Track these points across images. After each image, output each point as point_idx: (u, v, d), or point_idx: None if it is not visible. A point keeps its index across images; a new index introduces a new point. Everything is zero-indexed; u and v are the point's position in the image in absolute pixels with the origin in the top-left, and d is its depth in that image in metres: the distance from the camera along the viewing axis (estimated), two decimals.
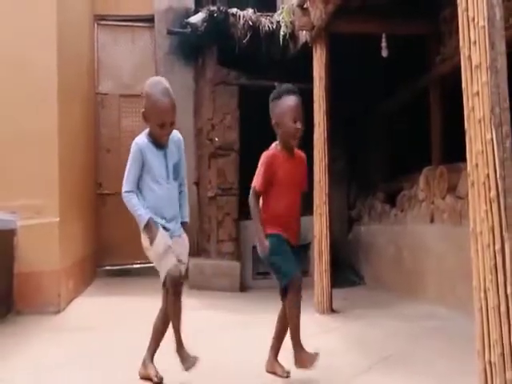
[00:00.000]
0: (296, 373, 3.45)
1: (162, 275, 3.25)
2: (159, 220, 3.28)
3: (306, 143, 5.75)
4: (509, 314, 2.44)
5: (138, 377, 3.35)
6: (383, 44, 6.01)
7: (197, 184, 8.45)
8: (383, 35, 6.03)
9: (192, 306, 5.88)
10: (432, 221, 6.07)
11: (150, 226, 3.22)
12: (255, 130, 6.08)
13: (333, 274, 5.68)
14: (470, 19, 2.65)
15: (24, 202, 5.37)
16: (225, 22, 7.43)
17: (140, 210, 3.23)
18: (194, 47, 8.33)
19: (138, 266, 8.51)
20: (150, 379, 3.26)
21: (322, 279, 5.59)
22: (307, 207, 5.98)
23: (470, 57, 2.67)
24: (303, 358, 3.29)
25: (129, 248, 8.00)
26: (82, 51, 7.79)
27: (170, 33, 8.43)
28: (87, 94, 8.15)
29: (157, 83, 3.31)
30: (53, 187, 5.52)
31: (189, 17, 8.05)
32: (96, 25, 9.00)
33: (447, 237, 5.63)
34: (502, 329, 2.46)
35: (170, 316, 3.28)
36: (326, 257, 5.61)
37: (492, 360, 2.51)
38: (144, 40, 9.22)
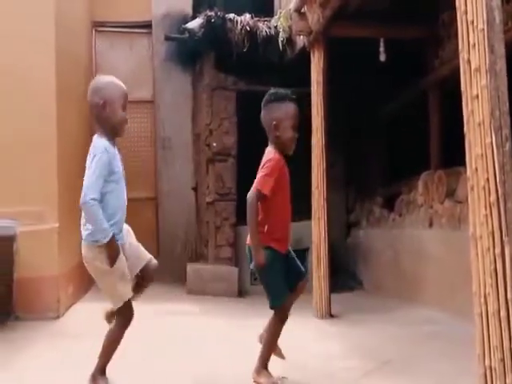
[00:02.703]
0: (295, 378, 3.45)
1: (118, 303, 3.07)
2: (117, 234, 3.07)
3: (304, 148, 5.82)
4: (509, 319, 2.44)
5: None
6: (381, 49, 6.04)
7: (195, 189, 8.46)
8: (381, 40, 6.05)
9: (190, 312, 5.91)
10: (431, 225, 6.07)
11: (112, 243, 2.98)
12: (253, 136, 6.08)
13: (331, 279, 5.69)
14: (470, 22, 2.66)
15: (23, 209, 5.36)
16: (222, 28, 7.44)
17: (105, 224, 2.96)
18: (191, 53, 8.34)
19: None
20: None
21: (320, 284, 5.58)
22: (305, 212, 6.00)
23: (469, 60, 2.68)
24: (261, 377, 3.25)
25: None
26: (80, 58, 7.79)
27: (167, 39, 8.44)
28: (85, 101, 8.13)
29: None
30: (52, 193, 5.51)
31: (186, 22, 8.05)
32: (94, 31, 9.00)
33: (446, 241, 5.63)
34: (502, 334, 2.46)
35: (116, 338, 3.11)
36: (324, 262, 5.61)
37: (492, 365, 2.50)
38: (142, 46, 9.22)
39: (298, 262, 3.49)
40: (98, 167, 3.01)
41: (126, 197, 3.21)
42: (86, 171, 3.06)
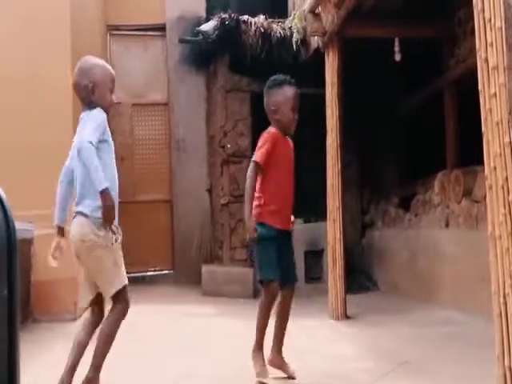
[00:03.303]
0: (310, 380, 3.44)
1: (111, 289, 2.90)
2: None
3: (319, 148, 5.81)
4: None
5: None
6: (396, 48, 5.99)
7: (209, 191, 8.47)
8: (396, 39, 6.01)
9: (206, 313, 5.92)
10: (447, 225, 6.02)
11: (107, 194, 2.76)
12: None
13: (347, 280, 5.67)
14: (487, 20, 2.65)
15: (40, 212, 5.40)
16: (236, 30, 7.45)
17: (101, 171, 2.77)
18: (205, 55, 8.36)
19: (151, 273, 8.53)
20: None
21: (336, 285, 5.57)
22: (320, 213, 5.98)
23: (486, 58, 2.66)
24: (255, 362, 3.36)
25: (142, 256, 8.01)
26: None
27: (181, 41, 8.47)
28: None
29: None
30: None
31: (200, 25, 8.08)
32: (109, 35, 9.06)
33: (463, 241, 5.59)
34: None
35: (111, 332, 2.96)
36: (339, 263, 5.59)
37: None
38: (156, 49, 9.26)
39: (293, 268, 3.57)
40: (95, 120, 2.91)
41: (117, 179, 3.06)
42: (80, 126, 2.95)
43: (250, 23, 7.50)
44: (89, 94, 3.03)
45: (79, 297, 5.54)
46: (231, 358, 3.99)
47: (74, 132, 5.55)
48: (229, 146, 7.66)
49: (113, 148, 3.05)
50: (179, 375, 3.60)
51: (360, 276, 7.71)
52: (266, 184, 3.41)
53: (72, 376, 2.93)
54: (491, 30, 2.61)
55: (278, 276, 3.36)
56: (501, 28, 2.55)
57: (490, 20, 2.61)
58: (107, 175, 2.85)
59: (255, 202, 3.38)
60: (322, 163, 5.81)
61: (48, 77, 5.56)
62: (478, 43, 2.72)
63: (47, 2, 5.74)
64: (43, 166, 5.50)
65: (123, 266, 2.98)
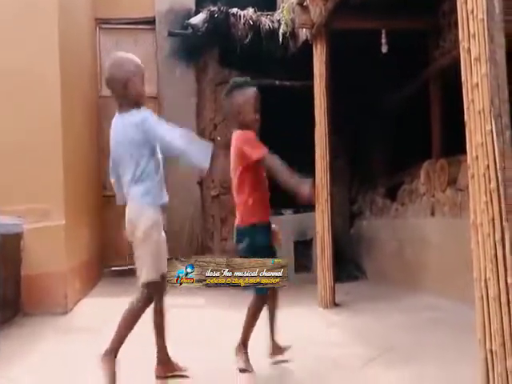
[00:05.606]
0: (299, 366, 3.51)
1: (152, 275, 3.09)
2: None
3: (308, 140, 5.86)
4: (509, 303, 2.46)
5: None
6: (383, 40, 6.04)
7: (200, 183, 8.51)
8: (383, 31, 6.07)
9: (196, 304, 5.96)
10: (433, 214, 6.10)
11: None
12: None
13: (335, 269, 5.74)
14: (469, 12, 2.67)
15: (30, 206, 5.43)
16: (225, 22, 7.49)
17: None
18: (195, 48, 8.38)
19: None
20: None
21: (324, 274, 5.63)
22: (309, 203, 6.03)
23: (469, 49, 2.69)
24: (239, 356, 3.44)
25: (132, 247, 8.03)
26: (85, 56, 7.85)
27: (171, 34, 8.48)
28: (90, 98, 8.22)
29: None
30: (58, 191, 5.57)
31: (190, 18, 8.10)
32: (98, 28, 9.06)
33: (448, 229, 5.66)
34: (502, 318, 2.48)
35: (134, 317, 3.10)
36: (328, 252, 5.66)
37: (493, 349, 2.53)
38: (146, 42, 9.26)
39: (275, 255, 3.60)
40: (156, 123, 3.15)
41: None
42: (154, 130, 3.13)
43: (239, 16, 7.54)
44: (124, 88, 3.15)
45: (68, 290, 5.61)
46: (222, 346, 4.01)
47: (63, 125, 5.65)
48: (219, 138, 7.69)
49: None
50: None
51: (348, 265, 7.78)
52: (255, 185, 3.49)
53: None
54: (474, 21, 2.64)
55: None
56: (483, 19, 2.58)
57: (473, 11, 2.64)
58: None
59: (247, 202, 3.45)
60: (311, 154, 5.86)
61: (36, 71, 5.54)
62: (461, 34, 2.75)
63: None
64: (32, 161, 5.52)
65: (162, 257, 3.18)
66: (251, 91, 3.51)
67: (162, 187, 3.25)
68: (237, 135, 3.54)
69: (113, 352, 3.04)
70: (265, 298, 3.45)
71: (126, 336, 3.08)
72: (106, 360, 3.01)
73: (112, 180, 3.40)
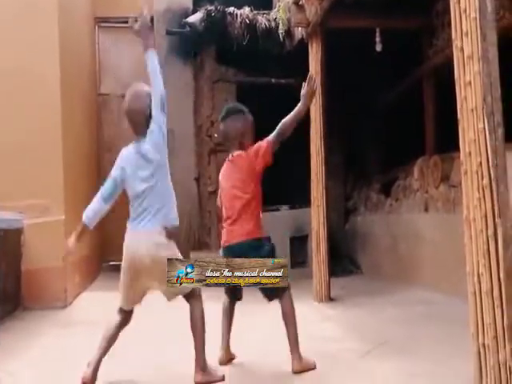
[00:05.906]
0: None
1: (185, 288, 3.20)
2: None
3: (303, 136, 5.93)
4: (501, 297, 2.49)
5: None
6: (377, 39, 6.12)
7: (197, 180, 8.57)
8: (377, 30, 6.14)
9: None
10: (426, 209, 6.17)
11: None
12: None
13: (330, 264, 5.81)
14: (462, 11, 2.69)
15: (31, 202, 5.48)
16: (222, 21, 7.56)
17: None
18: (192, 46, 8.43)
19: None
20: None
21: (320, 269, 5.70)
22: (305, 200, 6.12)
23: (462, 48, 2.71)
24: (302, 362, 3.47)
25: None
26: (84, 54, 7.91)
27: (168, 33, 8.52)
28: (89, 96, 8.28)
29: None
30: (58, 187, 5.63)
31: (187, 17, 8.16)
32: (97, 27, 9.12)
33: (441, 225, 5.73)
34: (495, 312, 2.51)
35: (202, 321, 3.31)
36: (323, 247, 5.73)
37: (486, 342, 2.56)
38: None
39: None
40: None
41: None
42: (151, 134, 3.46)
43: (236, 15, 7.60)
44: (145, 118, 3.43)
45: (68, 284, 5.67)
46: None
47: (62, 123, 5.71)
48: (216, 135, 7.76)
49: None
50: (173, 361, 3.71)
51: (344, 260, 7.87)
52: (259, 201, 3.59)
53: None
54: (466, 19, 2.67)
55: None
56: (475, 18, 2.61)
57: (466, 10, 2.66)
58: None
59: (258, 216, 3.55)
60: (307, 151, 5.94)
61: (36, 70, 5.59)
62: (454, 33, 2.76)
63: None
64: (32, 157, 5.58)
65: None
66: (251, 116, 3.68)
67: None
68: (240, 154, 3.63)
69: (204, 362, 3.22)
70: (288, 293, 3.49)
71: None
72: (208, 373, 3.20)
73: None
